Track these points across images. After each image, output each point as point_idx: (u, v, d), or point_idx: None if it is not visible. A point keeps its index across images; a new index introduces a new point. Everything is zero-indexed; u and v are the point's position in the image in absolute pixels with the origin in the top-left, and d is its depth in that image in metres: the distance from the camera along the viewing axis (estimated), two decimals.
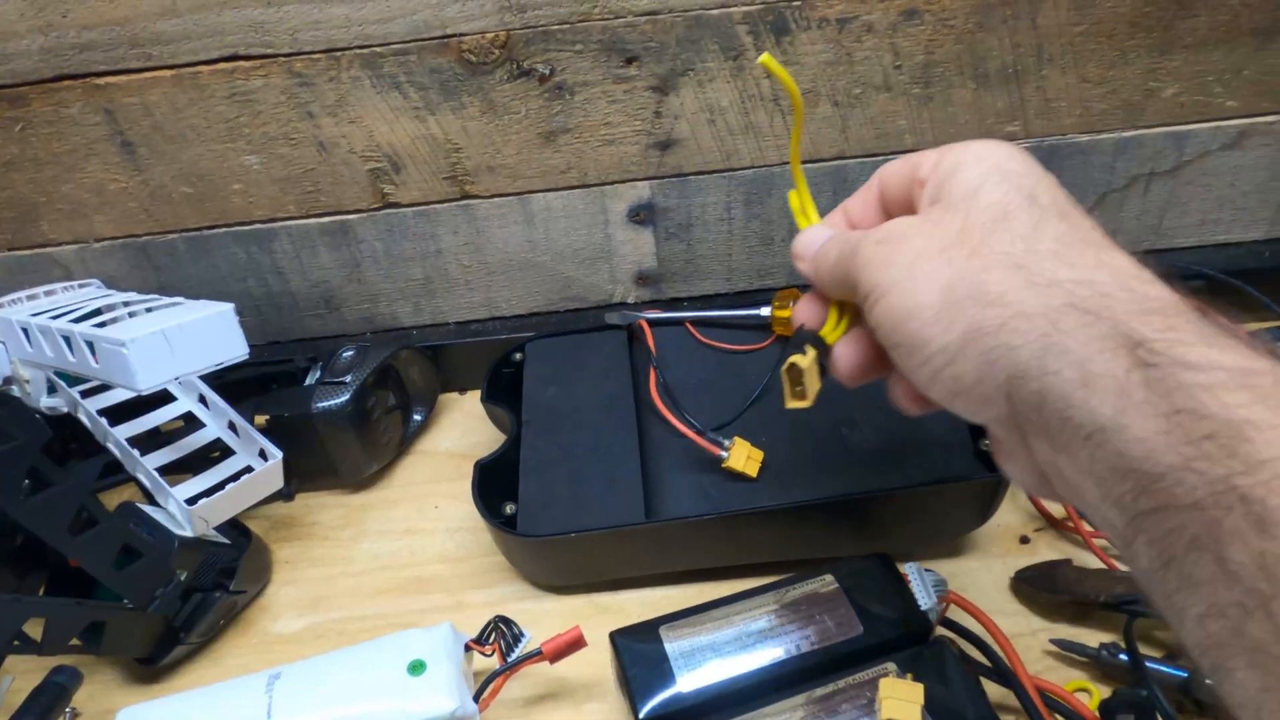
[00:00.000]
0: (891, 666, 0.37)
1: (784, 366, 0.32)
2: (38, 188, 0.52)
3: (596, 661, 0.42)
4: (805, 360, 0.31)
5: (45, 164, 0.51)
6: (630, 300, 0.60)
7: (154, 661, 0.44)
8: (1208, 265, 0.55)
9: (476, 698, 0.39)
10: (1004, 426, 0.25)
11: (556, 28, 0.48)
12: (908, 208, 0.29)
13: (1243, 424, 0.19)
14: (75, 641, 0.41)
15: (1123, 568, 0.45)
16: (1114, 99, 0.52)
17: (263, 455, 0.49)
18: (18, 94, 0.49)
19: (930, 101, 0.52)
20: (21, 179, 0.52)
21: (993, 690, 0.38)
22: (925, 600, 0.39)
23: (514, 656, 0.40)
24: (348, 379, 0.51)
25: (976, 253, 0.24)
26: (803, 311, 0.33)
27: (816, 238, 0.32)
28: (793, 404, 0.32)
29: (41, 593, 0.47)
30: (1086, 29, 0.49)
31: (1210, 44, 0.50)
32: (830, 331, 0.32)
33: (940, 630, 0.40)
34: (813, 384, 0.32)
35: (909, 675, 0.36)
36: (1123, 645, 0.41)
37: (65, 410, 0.50)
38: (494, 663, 0.41)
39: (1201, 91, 0.52)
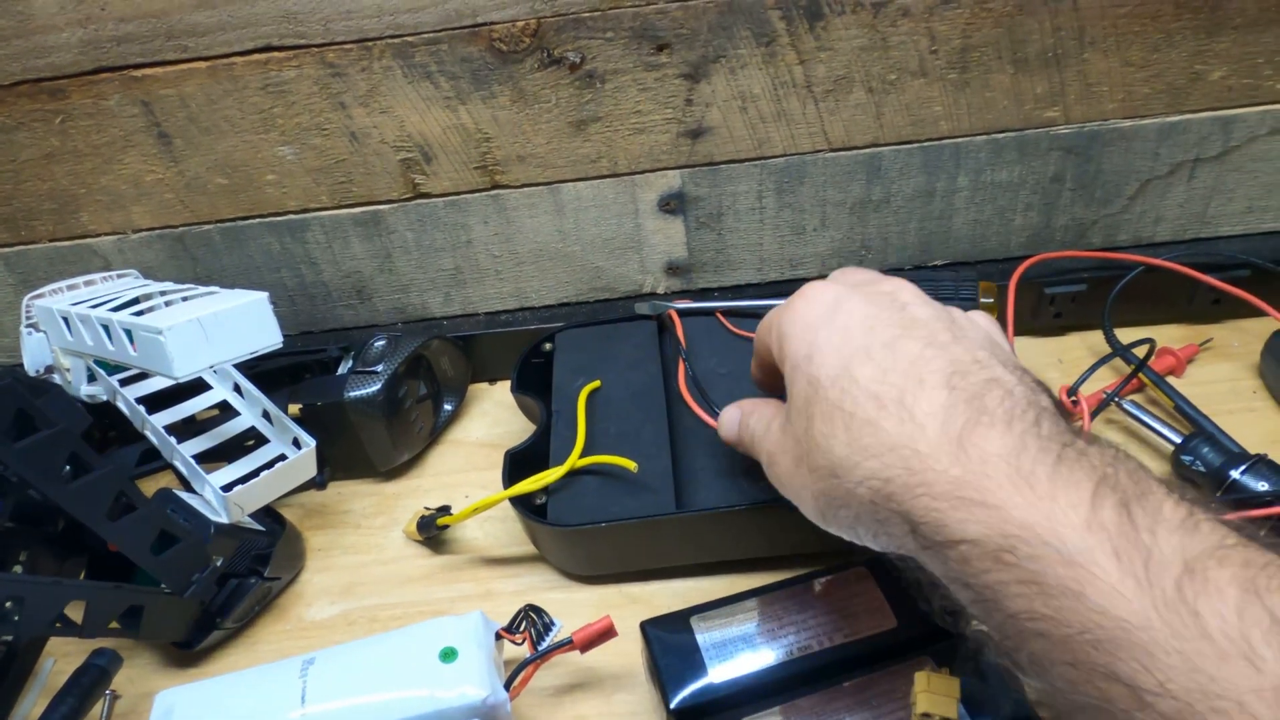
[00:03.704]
0: (926, 659, 0.36)
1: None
2: (77, 179, 0.53)
3: (626, 651, 0.41)
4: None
5: (85, 156, 0.52)
6: (660, 290, 0.60)
7: (191, 645, 0.45)
8: (1254, 254, 0.54)
9: (507, 686, 0.39)
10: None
11: (587, 15, 0.48)
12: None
13: (987, 589, 0.26)
14: (114, 624, 0.42)
15: None
16: (1158, 83, 0.51)
17: (296, 444, 0.49)
18: (57, 87, 0.49)
19: (967, 87, 0.51)
20: (61, 171, 0.53)
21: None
22: None
23: (544, 645, 0.40)
24: (379, 368, 0.52)
25: (813, 469, 0.32)
26: None
27: (730, 419, 0.40)
28: None
29: (82, 577, 0.47)
30: (1130, 11, 0.48)
31: (1260, 25, 0.49)
32: None
33: (975, 624, 0.40)
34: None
35: (945, 669, 0.35)
36: None
37: (105, 398, 0.51)
38: (524, 651, 0.41)
39: (1250, 74, 0.51)
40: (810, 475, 0.32)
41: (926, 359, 0.30)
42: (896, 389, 0.29)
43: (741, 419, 0.39)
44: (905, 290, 0.34)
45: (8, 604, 0.38)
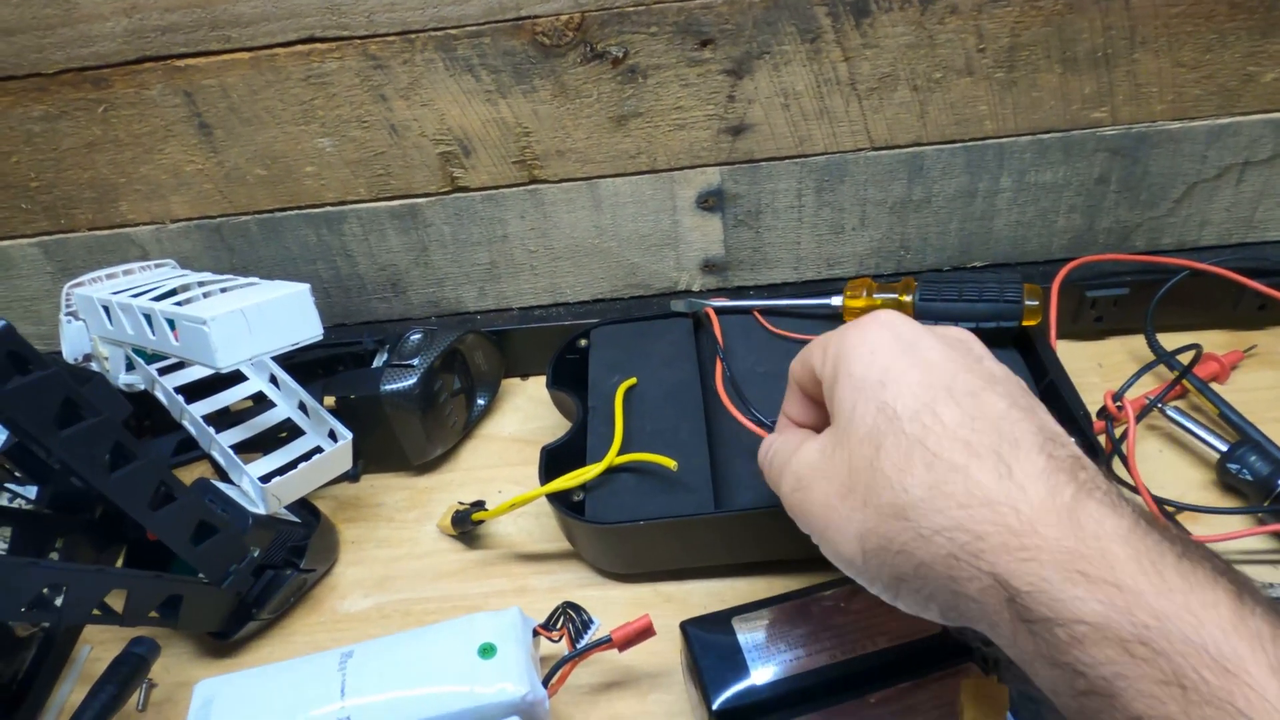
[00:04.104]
0: (973, 666, 0.35)
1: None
2: (118, 169, 0.53)
3: (661, 651, 0.41)
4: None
5: (126, 145, 0.52)
6: (695, 288, 0.59)
7: (227, 636, 0.45)
8: None
9: (545, 683, 0.39)
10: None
11: (631, 9, 0.47)
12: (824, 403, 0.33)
13: (1105, 681, 0.22)
14: (153, 614, 0.42)
15: None
16: (1209, 84, 0.50)
17: (332, 436, 0.49)
18: (101, 76, 0.50)
19: (1014, 86, 0.50)
20: (103, 160, 0.53)
21: None
22: None
23: (583, 643, 0.40)
24: (415, 362, 0.52)
25: (867, 503, 0.28)
26: None
27: (765, 447, 0.37)
28: None
29: (119, 565, 0.48)
30: (1183, 10, 0.47)
31: None
32: None
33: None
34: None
35: (993, 677, 0.35)
36: None
37: (142, 387, 0.51)
38: (560, 648, 0.41)
39: None
40: (864, 510, 0.28)
41: (1014, 419, 0.27)
42: (990, 440, 0.26)
43: (766, 443, 0.37)
44: (976, 342, 0.32)
45: (45, 590, 0.38)
